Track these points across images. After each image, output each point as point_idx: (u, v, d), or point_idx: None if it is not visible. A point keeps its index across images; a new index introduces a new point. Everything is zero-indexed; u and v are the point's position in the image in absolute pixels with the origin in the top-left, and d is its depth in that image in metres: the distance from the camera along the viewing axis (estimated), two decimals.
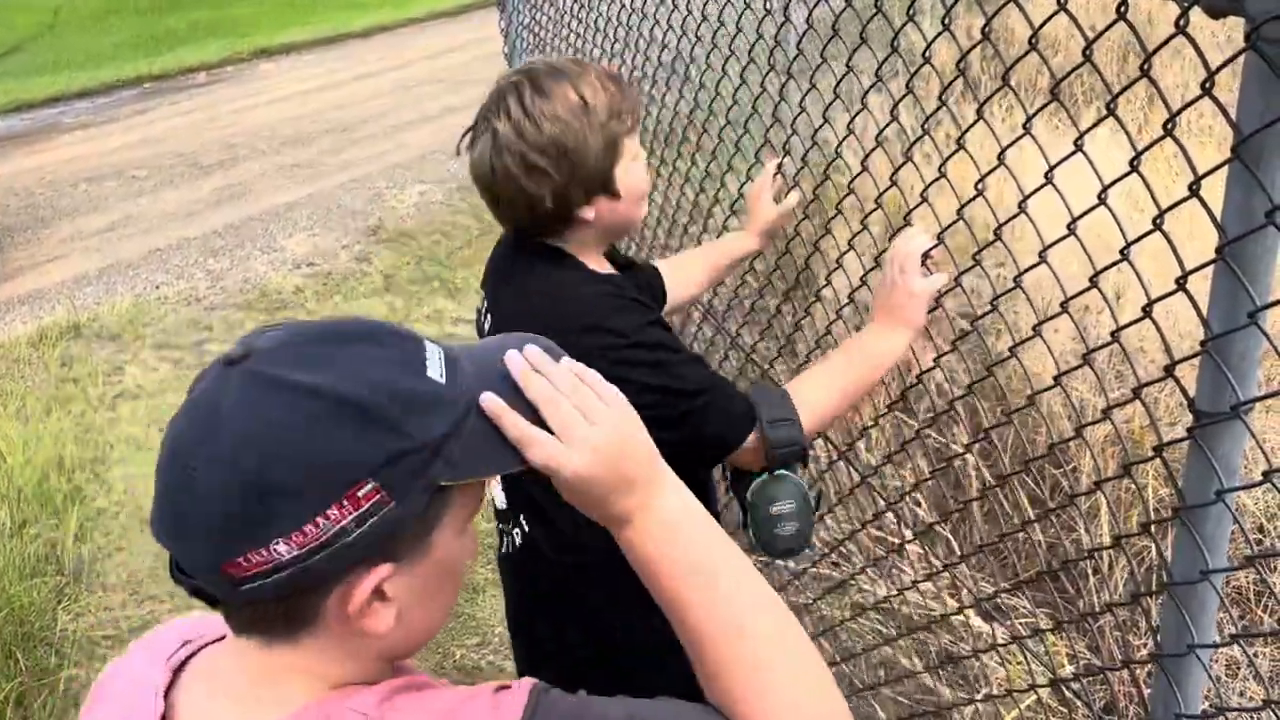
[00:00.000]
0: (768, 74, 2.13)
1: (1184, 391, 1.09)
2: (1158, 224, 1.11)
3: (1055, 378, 1.43)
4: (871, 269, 1.86)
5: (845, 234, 1.95)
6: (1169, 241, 1.08)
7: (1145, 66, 1.11)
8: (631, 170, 1.46)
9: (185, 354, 4.96)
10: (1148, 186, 1.14)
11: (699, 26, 2.53)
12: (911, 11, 1.59)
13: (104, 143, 8.73)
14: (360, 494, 0.66)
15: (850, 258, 1.91)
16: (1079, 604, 2.57)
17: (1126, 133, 1.17)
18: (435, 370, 0.72)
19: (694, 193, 2.79)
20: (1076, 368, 1.40)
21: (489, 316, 1.59)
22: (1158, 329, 1.19)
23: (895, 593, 2.53)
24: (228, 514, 0.66)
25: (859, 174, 1.80)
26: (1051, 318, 1.42)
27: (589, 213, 1.44)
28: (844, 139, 1.84)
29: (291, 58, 12.02)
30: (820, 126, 1.92)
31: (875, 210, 1.81)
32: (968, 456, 2.98)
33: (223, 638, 0.79)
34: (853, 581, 2.79)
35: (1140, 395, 1.25)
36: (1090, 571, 2.60)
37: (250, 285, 5.72)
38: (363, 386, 0.68)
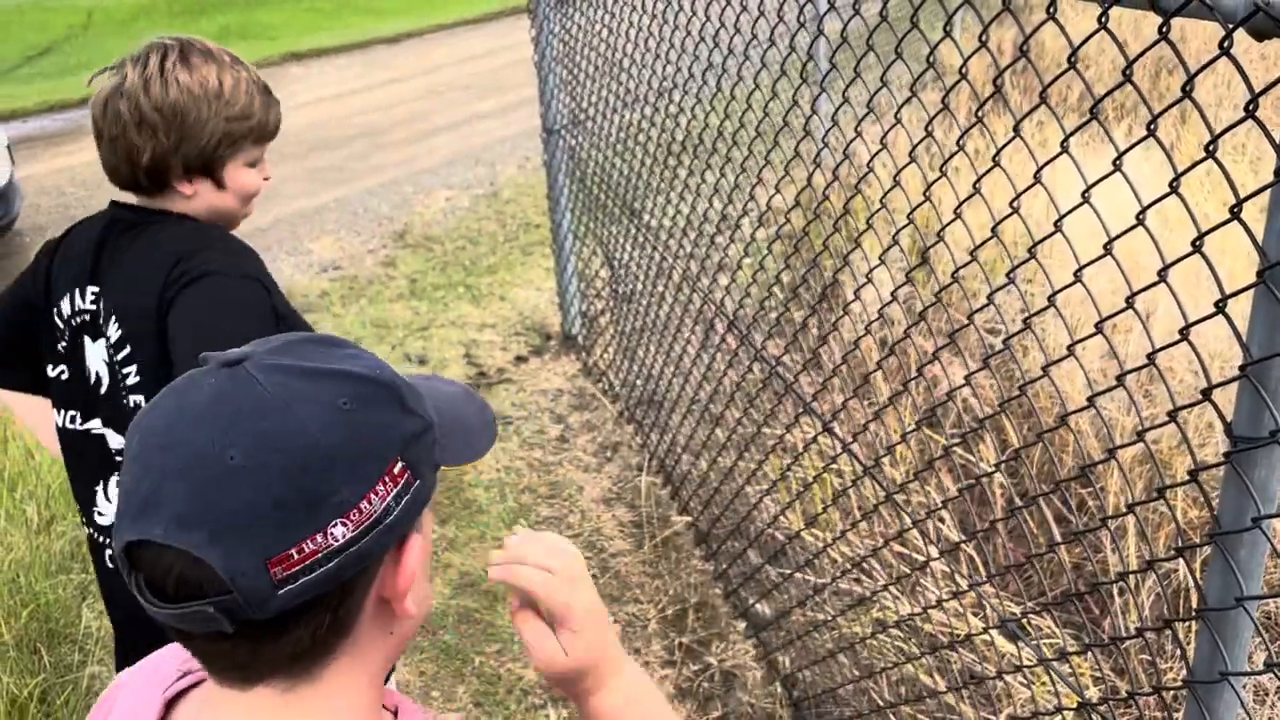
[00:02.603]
0: (799, 87, 2.13)
1: (1221, 416, 1.08)
2: (1197, 246, 1.10)
3: (1089, 399, 1.41)
4: (903, 284, 1.85)
5: (876, 248, 1.95)
6: (1209, 265, 1.07)
7: (1188, 88, 1.10)
8: (244, 172, 1.54)
9: None
10: (1189, 210, 1.13)
11: (732, 39, 2.53)
12: (948, 27, 1.59)
13: None
14: (395, 471, 0.67)
15: (880, 272, 1.90)
16: (1104, 625, 2.54)
17: (1167, 154, 1.17)
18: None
19: (722, 204, 2.79)
20: (1111, 389, 1.39)
21: (101, 300, 1.53)
22: (1195, 353, 1.18)
23: (919, 611, 2.51)
24: (284, 499, 0.62)
25: (891, 189, 1.80)
26: (1086, 338, 1.40)
27: (187, 189, 1.50)
28: (876, 153, 1.83)
29: (321, 62, 12.12)
30: (852, 140, 1.92)
31: (907, 225, 1.80)
32: (985, 467, 2.97)
33: None
34: (874, 598, 2.77)
35: (1175, 418, 1.24)
36: (1116, 593, 2.57)
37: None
38: (377, 371, 0.70)
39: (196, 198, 1.52)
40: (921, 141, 1.70)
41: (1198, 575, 1.19)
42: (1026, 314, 1.49)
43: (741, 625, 3.07)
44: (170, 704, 0.75)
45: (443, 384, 0.83)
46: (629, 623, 3.13)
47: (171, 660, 0.79)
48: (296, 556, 0.62)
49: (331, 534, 0.63)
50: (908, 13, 1.64)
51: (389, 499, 0.66)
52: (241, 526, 0.62)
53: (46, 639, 2.98)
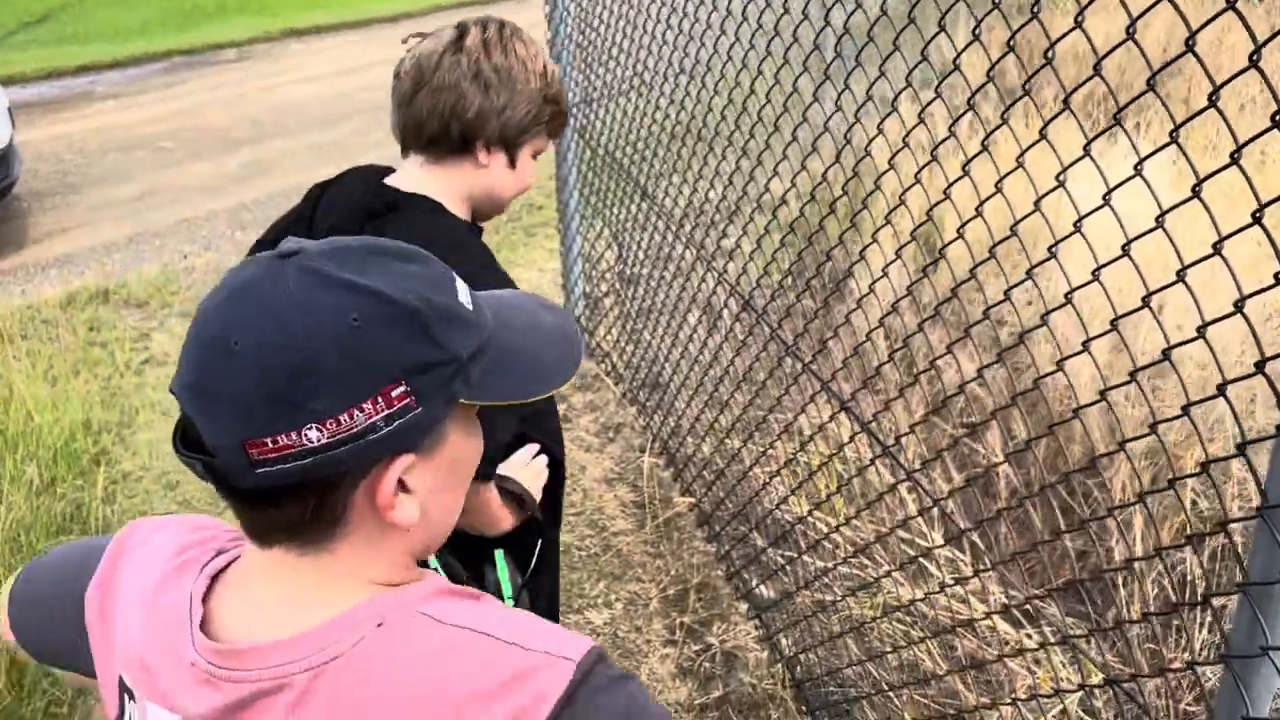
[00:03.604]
0: (822, 83, 2.13)
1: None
2: (1217, 249, 1.12)
3: (1101, 392, 1.43)
4: (918, 279, 1.86)
5: (891, 241, 1.95)
6: (1229, 267, 1.09)
7: (1215, 97, 1.11)
8: (531, 161, 1.57)
9: None
10: (1210, 215, 1.14)
11: (739, 28, 2.53)
12: (977, 32, 1.58)
13: (134, 114, 8.74)
14: (394, 394, 0.69)
15: (894, 268, 1.91)
16: (1108, 614, 2.56)
17: (1189, 161, 1.17)
18: (464, 298, 0.76)
19: (722, 186, 2.80)
20: (1125, 384, 1.40)
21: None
22: (1210, 350, 1.20)
23: (922, 597, 2.52)
24: (266, 394, 0.67)
25: (911, 186, 1.80)
26: (1102, 334, 1.42)
27: (484, 157, 1.51)
28: (898, 151, 1.84)
29: (321, 38, 12.03)
30: (874, 137, 1.92)
31: (925, 223, 1.81)
32: (994, 459, 2.98)
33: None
34: (878, 583, 2.78)
35: (1188, 412, 1.25)
36: (1121, 583, 2.59)
37: None
38: (411, 295, 0.71)
39: (487, 171, 1.53)
40: (945, 140, 1.71)
41: (1202, 564, 1.20)
42: (1037, 308, 1.51)
43: (744, 607, 3.07)
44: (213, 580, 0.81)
45: (544, 315, 0.84)
46: (630, 601, 3.13)
47: (208, 543, 0.85)
48: (271, 446, 0.67)
49: (306, 435, 0.67)
50: (925, 11, 1.64)
51: (376, 418, 0.69)
52: (226, 406, 0.68)
53: None
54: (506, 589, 1.51)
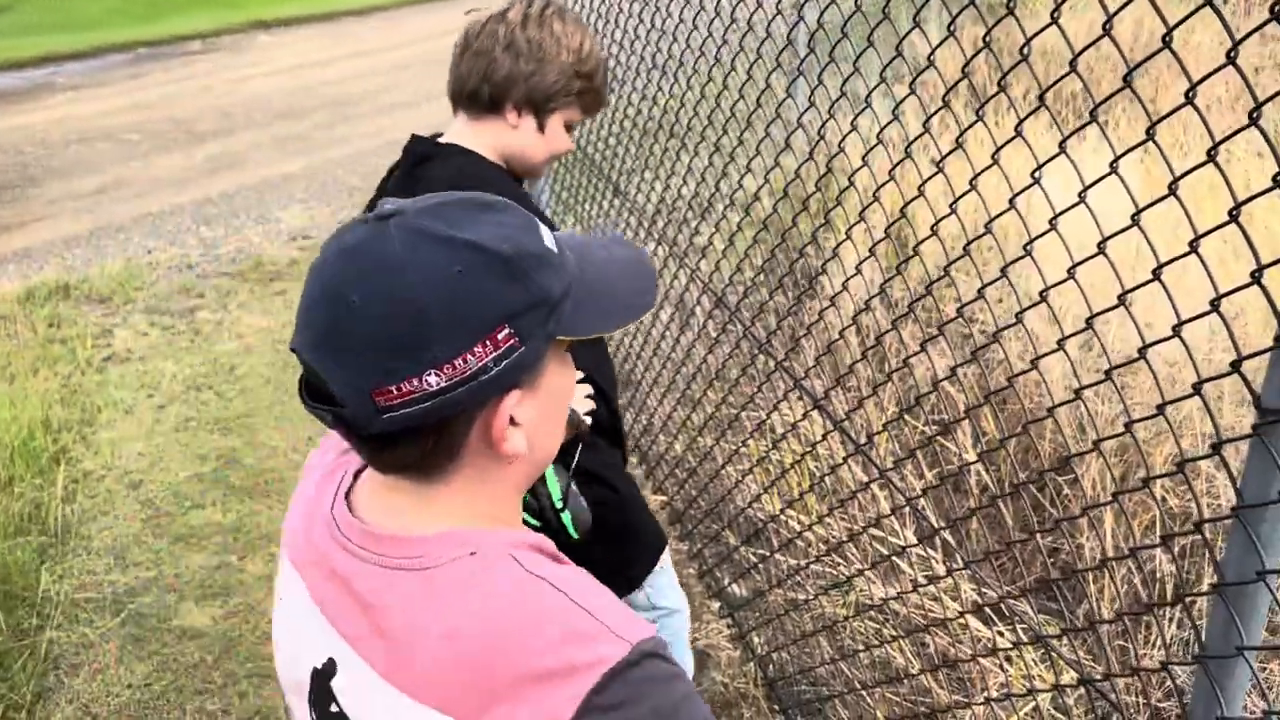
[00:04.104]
0: (795, 79, 2.11)
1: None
2: (1194, 247, 1.12)
3: (1076, 392, 1.42)
4: (891, 277, 1.85)
5: (864, 238, 1.94)
6: (1206, 268, 1.08)
7: (1191, 95, 1.11)
8: (562, 129, 1.71)
9: (176, 320, 4.89)
10: (1187, 214, 1.14)
11: (711, 22, 2.51)
12: (953, 28, 1.57)
13: (96, 105, 8.60)
14: (500, 336, 0.75)
15: (867, 265, 1.89)
16: (1080, 608, 2.57)
17: (1166, 160, 1.16)
18: (549, 242, 0.81)
19: (695, 183, 2.78)
20: (1099, 383, 1.40)
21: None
22: (1187, 350, 1.20)
23: (894, 595, 2.52)
24: (388, 345, 0.72)
25: (885, 183, 1.79)
26: (1078, 332, 1.41)
27: (514, 118, 1.67)
28: (871, 148, 1.82)
29: (288, 31, 11.90)
30: (848, 133, 1.90)
31: (900, 219, 1.79)
32: (967, 456, 2.98)
33: None
34: (851, 582, 2.78)
35: (1163, 411, 1.25)
36: (1091, 579, 2.60)
37: (244, 255, 5.65)
38: (505, 244, 0.76)
39: (517, 131, 1.69)
40: (919, 138, 1.70)
41: (1173, 564, 1.19)
42: (1009, 304, 1.50)
43: (716, 605, 3.06)
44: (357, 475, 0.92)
45: (617, 249, 0.90)
46: None
47: (345, 463, 0.94)
48: (395, 393, 0.73)
49: (426, 380, 0.73)
50: (899, 8, 1.63)
51: (487, 360, 0.75)
52: (352, 358, 0.73)
53: (4, 601, 2.90)
54: (555, 491, 1.55)
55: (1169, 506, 2.58)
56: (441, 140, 1.75)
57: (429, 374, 0.73)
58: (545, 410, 0.84)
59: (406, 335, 0.72)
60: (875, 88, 1.74)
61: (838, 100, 1.88)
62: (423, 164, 1.72)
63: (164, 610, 3.03)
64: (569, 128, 1.73)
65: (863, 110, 1.80)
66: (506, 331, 0.75)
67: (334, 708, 0.84)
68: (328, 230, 6.03)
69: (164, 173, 6.95)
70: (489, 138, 1.71)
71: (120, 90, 9.14)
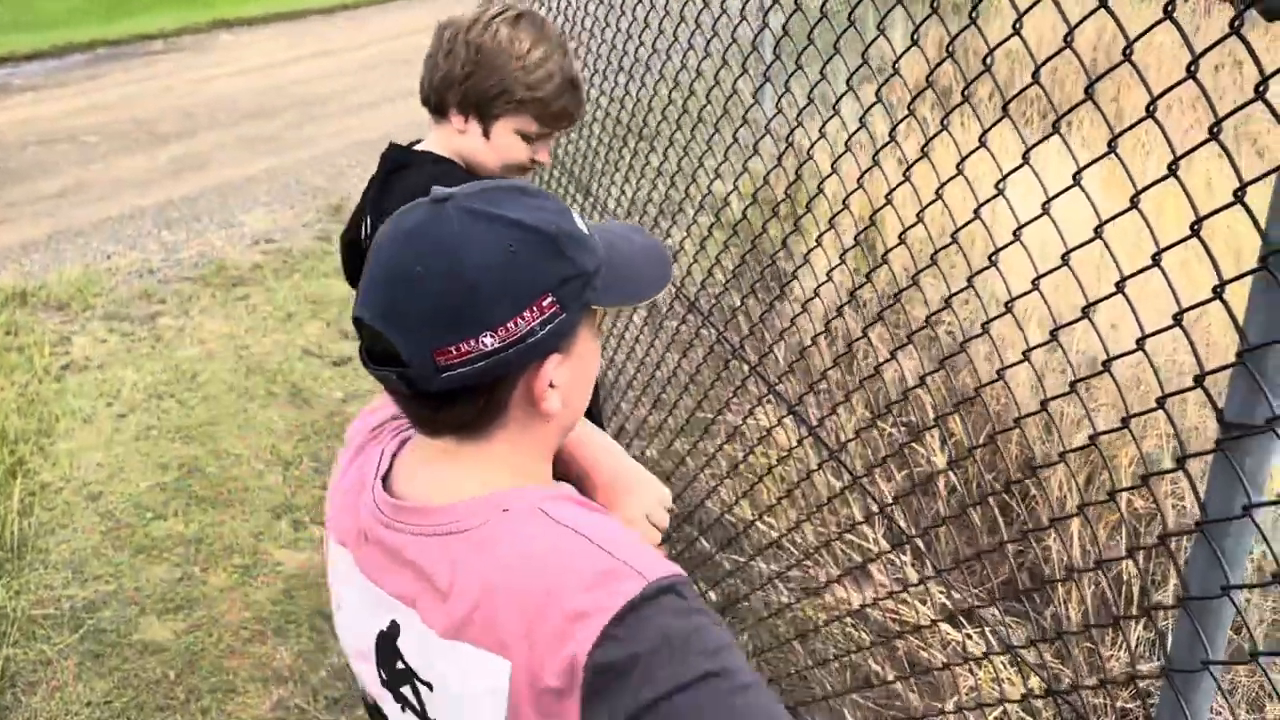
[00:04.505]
0: (762, 84, 2.09)
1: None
2: (1156, 260, 1.11)
3: (1043, 403, 1.41)
4: (860, 285, 1.84)
5: (834, 245, 1.93)
6: (1169, 283, 1.08)
7: (1152, 108, 1.10)
8: (512, 137, 1.68)
9: (136, 327, 4.81)
10: (1150, 228, 1.14)
11: (677, 27, 2.49)
12: (916, 37, 1.55)
13: (55, 106, 8.45)
14: (544, 304, 0.85)
15: (837, 272, 1.88)
16: (1047, 610, 2.57)
17: (1128, 172, 1.15)
18: (580, 224, 0.91)
19: (665, 186, 2.76)
20: (1064, 394, 1.39)
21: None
22: (1151, 365, 1.19)
23: (870, 603, 2.51)
24: (449, 311, 0.82)
25: (853, 191, 1.78)
26: (1043, 344, 1.41)
27: (460, 123, 1.68)
28: (840, 155, 1.81)
29: (252, 30, 11.76)
30: (816, 142, 1.89)
31: (869, 227, 1.79)
32: (937, 462, 2.98)
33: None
34: (826, 588, 2.76)
35: (1128, 424, 1.24)
36: (1060, 583, 2.61)
37: (206, 259, 5.57)
38: (548, 224, 0.86)
39: (465, 136, 1.69)
40: (885, 146, 1.69)
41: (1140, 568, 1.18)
42: (975, 308, 1.49)
43: None
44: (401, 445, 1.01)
45: (636, 237, 1.00)
46: None
47: (390, 423, 1.05)
48: (455, 353, 0.83)
49: (482, 341, 0.83)
50: (864, 12, 1.62)
51: (534, 324, 0.85)
52: (416, 323, 0.83)
53: None
54: None
55: (1135, 508, 2.59)
56: (417, 148, 1.75)
57: (485, 335, 0.83)
58: (578, 373, 0.94)
59: (465, 303, 0.82)
60: (842, 96, 1.73)
61: (805, 108, 1.87)
62: (398, 171, 1.73)
63: (124, 625, 2.97)
64: (526, 138, 1.69)
65: (830, 119, 1.78)
66: (550, 299, 0.85)
67: (400, 665, 0.94)
68: (292, 233, 5.96)
69: (125, 175, 6.84)
70: (444, 141, 1.72)
71: (80, 90, 8.99)
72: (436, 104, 1.69)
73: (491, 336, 0.83)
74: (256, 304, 5.07)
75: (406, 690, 0.94)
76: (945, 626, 2.57)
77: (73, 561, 3.23)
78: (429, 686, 0.91)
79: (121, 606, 3.04)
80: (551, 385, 0.90)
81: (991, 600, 2.34)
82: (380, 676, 0.97)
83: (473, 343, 0.83)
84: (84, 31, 11.08)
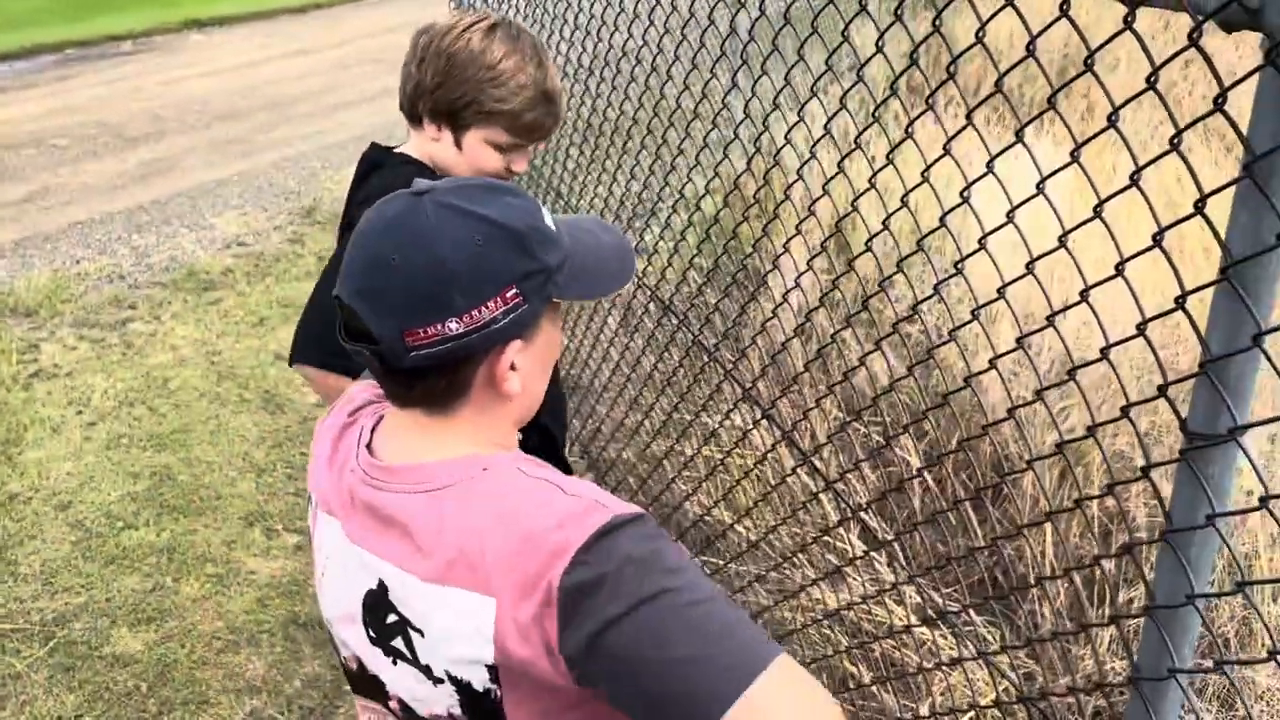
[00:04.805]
0: (731, 89, 2.09)
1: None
2: (1120, 270, 1.11)
3: (1009, 410, 1.42)
4: (828, 291, 1.84)
5: (800, 241, 1.92)
6: (1133, 293, 1.07)
7: (1114, 118, 1.10)
8: (483, 147, 1.68)
9: (107, 333, 4.75)
10: (1112, 236, 1.13)
11: (646, 31, 2.48)
12: (880, 44, 1.55)
13: (22, 109, 8.34)
14: (508, 295, 0.92)
15: (797, 257, 1.88)
16: (1022, 610, 2.59)
17: (1093, 185, 1.15)
18: (549, 221, 0.98)
19: (639, 187, 2.75)
20: (1030, 403, 1.40)
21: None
22: (1114, 371, 1.19)
23: (846, 607, 2.51)
24: (420, 296, 0.90)
25: (819, 198, 1.77)
26: (1008, 353, 1.41)
27: (433, 131, 1.68)
28: (805, 161, 1.80)
29: (223, 30, 11.65)
30: (781, 146, 1.89)
31: (836, 234, 1.78)
32: (911, 461, 2.99)
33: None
34: (804, 592, 2.76)
35: (1094, 433, 1.25)
36: (1031, 587, 2.61)
37: (177, 264, 5.51)
38: (516, 221, 0.94)
39: (439, 144, 1.69)
40: (851, 152, 1.69)
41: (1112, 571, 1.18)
42: (944, 309, 1.49)
43: None
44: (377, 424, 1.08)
45: (603, 234, 1.06)
46: None
47: (368, 405, 1.13)
48: (423, 335, 0.91)
49: (448, 325, 0.91)
50: (836, 7, 1.61)
51: (497, 313, 0.92)
52: (388, 306, 0.91)
53: None
54: None
55: (1107, 508, 2.60)
56: (396, 150, 1.77)
57: (451, 321, 0.90)
58: (538, 359, 1.01)
59: (434, 291, 0.89)
60: (806, 102, 1.72)
61: (771, 113, 1.86)
62: (375, 170, 1.75)
63: (95, 637, 2.94)
64: (498, 148, 1.67)
65: (795, 125, 1.78)
66: (514, 291, 0.92)
67: (392, 617, 0.99)
68: (264, 237, 5.91)
69: (94, 179, 6.76)
70: (421, 148, 1.73)
71: (48, 93, 8.88)
72: (411, 112, 1.70)
73: (457, 322, 0.90)
74: (228, 309, 5.02)
75: (398, 642, 1.00)
76: (920, 628, 2.57)
77: (42, 573, 3.18)
78: (420, 633, 0.97)
79: (92, 618, 3.01)
80: (513, 368, 0.97)
81: (964, 606, 2.35)
82: (369, 635, 1.03)
83: (439, 327, 0.90)
84: (51, 32, 10.94)
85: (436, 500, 0.96)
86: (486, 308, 0.91)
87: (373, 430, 1.07)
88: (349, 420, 1.12)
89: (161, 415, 4.07)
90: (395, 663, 1.01)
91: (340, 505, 1.05)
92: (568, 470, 1.87)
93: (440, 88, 1.63)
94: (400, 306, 0.90)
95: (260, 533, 3.40)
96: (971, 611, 2.49)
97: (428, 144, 1.71)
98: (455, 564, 0.92)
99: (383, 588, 1.00)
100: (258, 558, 3.29)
